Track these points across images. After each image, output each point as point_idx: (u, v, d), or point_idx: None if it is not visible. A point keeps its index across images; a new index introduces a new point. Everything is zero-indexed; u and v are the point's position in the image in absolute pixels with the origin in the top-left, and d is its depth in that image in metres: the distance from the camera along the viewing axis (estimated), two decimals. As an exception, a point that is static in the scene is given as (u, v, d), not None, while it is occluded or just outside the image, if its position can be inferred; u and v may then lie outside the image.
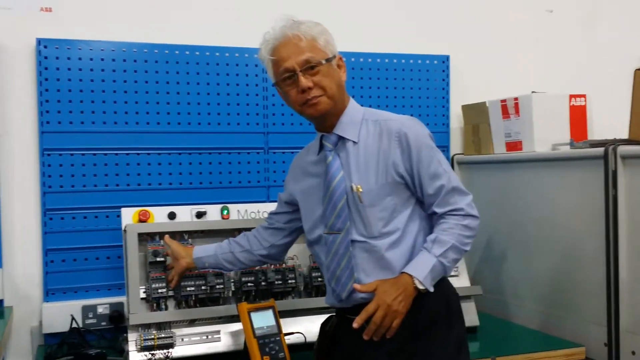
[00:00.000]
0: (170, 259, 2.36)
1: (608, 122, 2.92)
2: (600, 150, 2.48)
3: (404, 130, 1.89)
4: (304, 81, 1.87)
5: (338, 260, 1.93)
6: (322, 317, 2.11)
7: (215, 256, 2.24)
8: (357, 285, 1.86)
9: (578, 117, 2.93)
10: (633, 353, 2.39)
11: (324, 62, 1.88)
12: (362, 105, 2.02)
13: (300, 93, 1.89)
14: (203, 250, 2.27)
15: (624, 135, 2.58)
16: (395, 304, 1.77)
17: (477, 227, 1.93)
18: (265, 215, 2.64)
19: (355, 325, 1.79)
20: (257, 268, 2.48)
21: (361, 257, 1.91)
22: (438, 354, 1.87)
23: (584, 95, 2.95)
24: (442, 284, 1.93)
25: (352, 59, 3.17)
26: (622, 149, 2.43)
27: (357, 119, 1.95)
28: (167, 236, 2.38)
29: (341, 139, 1.94)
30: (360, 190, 1.89)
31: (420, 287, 1.81)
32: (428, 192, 1.89)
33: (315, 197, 1.99)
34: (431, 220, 1.95)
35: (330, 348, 2.02)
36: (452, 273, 2.76)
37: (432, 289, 1.82)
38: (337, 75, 1.94)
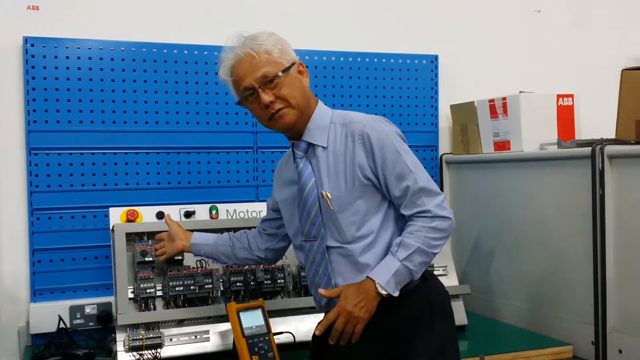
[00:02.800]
0: (166, 239, 2.35)
1: (595, 122, 2.93)
2: (588, 150, 2.50)
3: (366, 131, 1.85)
4: (265, 97, 1.87)
5: (316, 267, 1.95)
6: (311, 317, 2.12)
7: (214, 246, 2.25)
8: (321, 291, 1.88)
9: (566, 117, 2.95)
10: (620, 351, 2.41)
11: (280, 74, 1.87)
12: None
13: (264, 109, 1.89)
14: (202, 238, 2.28)
15: (611, 135, 2.60)
16: (356, 311, 1.78)
17: (450, 227, 1.87)
18: (254, 215, 2.66)
19: (317, 332, 1.83)
20: (245, 267, 2.48)
21: (337, 262, 1.92)
22: (419, 354, 1.86)
23: (571, 95, 2.96)
24: (426, 284, 1.92)
25: (342, 59, 3.17)
26: (609, 149, 2.45)
27: (325, 124, 1.93)
28: (168, 215, 2.42)
29: (311, 145, 1.93)
30: (329, 196, 1.88)
31: (382, 292, 1.79)
32: (395, 194, 1.86)
33: (292, 206, 2.00)
34: None
35: (323, 351, 2.01)
36: (441, 272, 2.77)
37: (396, 293, 1.80)
38: (299, 82, 1.92)
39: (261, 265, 2.52)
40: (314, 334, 2.06)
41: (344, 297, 1.81)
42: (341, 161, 1.88)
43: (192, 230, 2.35)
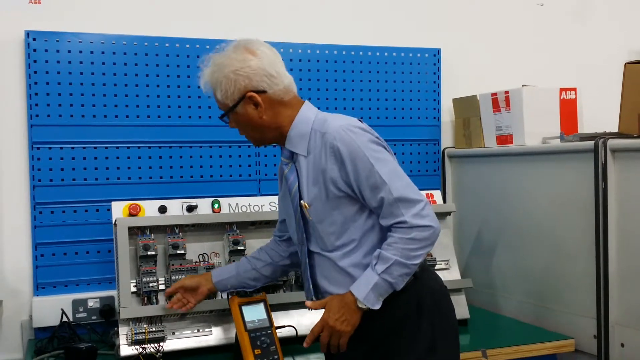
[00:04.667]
0: (183, 293, 2.27)
1: (598, 116, 2.93)
2: (590, 143, 2.49)
3: (336, 144, 1.81)
4: (230, 124, 1.97)
5: (303, 268, 1.99)
6: (313, 311, 2.10)
7: (237, 276, 2.21)
8: (308, 303, 1.92)
9: (568, 110, 2.94)
10: (622, 345, 2.41)
11: (226, 113, 1.92)
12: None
13: None
14: (222, 273, 2.24)
15: (614, 128, 2.59)
16: (338, 325, 1.82)
17: (432, 235, 1.81)
18: (256, 208, 2.66)
19: (305, 345, 1.89)
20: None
21: (321, 265, 1.94)
22: (407, 353, 1.86)
23: (574, 89, 2.96)
24: (416, 283, 1.89)
25: (344, 52, 3.16)
26: (612, 143, 2.44)
27: (305, 131, 1.89)
28: (168, 289, 2.30)
29: (294, 152, 1.93)
30: (307, 207, 1.88)
31: (362, 306, 1.81)
32: (372, 204, 1.83)
33: (288, 204, 2.00)
34: None
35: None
36: (443, 266, 2.77)
37: (377, 306, 1.80)
38: (247, 118, 1.90)
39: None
40: None
41: (327, 310, 1.86)
42: (318, 173, 1.86)
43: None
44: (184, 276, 2.39)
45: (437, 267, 2.72)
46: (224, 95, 1.89)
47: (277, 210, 2.22)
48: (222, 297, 2.43)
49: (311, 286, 1.97)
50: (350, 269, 1.88)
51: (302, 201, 1.89)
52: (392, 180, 1.81)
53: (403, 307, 1.87)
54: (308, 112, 1.93)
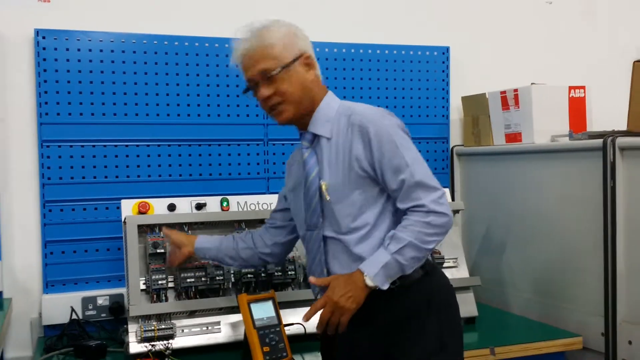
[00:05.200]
0: (169, 250, 2.36)
1: (607, 114, 2.92)
2: (599, 141, 2.49)
3: (365, 123, 1.85)
4: (263, 91, 1.90)
5: (313, 255, 1.96)
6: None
7: (218, 249, 2.24)
8: (312, 279, 1.89)
9: (577, 108, 2.93)
10: (630, 343, 2.41)
11: (279, 70, 1.88)
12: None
13: (263, 101, 1.93)
14: (206, 241, 2.27)
15: (623, 126, 2.59)
16: (342, 301, 1.78)
17: (446, 224, 1.82)
18: (265, 207, 2.66)
19: (303, 320, 1.84)
20: (256, 259, 2.49)
21: (334, 251, 1.92)
22: (414, 349, 1.85)
23: (583, 87, 2.95)
24: (427, 279, 1.90)
25: (352, 50, 3.16)
26: (621, 141, 2.44)
27: (330, 115, 1.93)
28: (164, 227, 2.39)
29: (316, 136, 1.94)
30: (327, 187, 1.88)
31: (370, 283, 1.78)
32: (391, 187, 1.85)
33: (299, 196, 2.00)
34: None
35: (332, 342, 2.01)
36: (451, 264, 2.77)
37: (385, 287, 1.79)
38: (300, 77, 1.91)
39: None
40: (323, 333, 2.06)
41: (332, 287, 1.81)
42: (341, 152, 1.88)
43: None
44: (192, 274, 2.41)
45: (445, 265, 2.72)
46: (283, 50, 1.89)
47: (277, 198, 2.23)
48: (230, 293, 2.44)
49: (325, 271, 1.93)
50: (364, 254, 1.86)
51: (321, 182, 1.89)
52: (414, 164, 1.83)
53: (414, 301, 1.87)
54: (333, 97, 1.99)
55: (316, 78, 1.96)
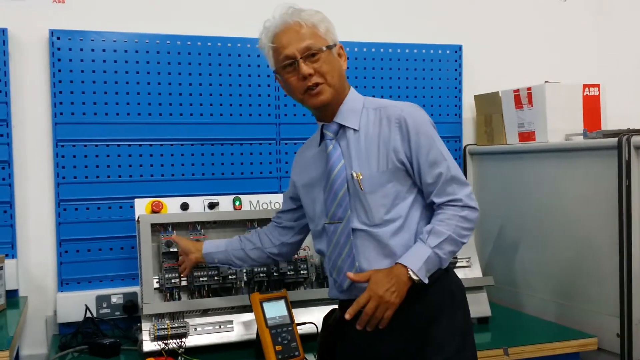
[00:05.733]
0: (179, 258, 2.37)
1: (622, 112, 2.90)
2: (614, 140, 2.47)
3: (403, 115, 1.86)
4: (305, 68, 1.86)
5: (339, 250, 1.92)
6: (334, 308, 2.11)
7: (225, 252, 2.23)
8: (350, 274, 1.84)
9: (591, 107, 2.91)
10: (646, 344, 2.39)
11: (324, 48, 1.88)
12: (364, 95, 2.01)
13: (302, 80, 1.88)
14: (213, 246, 2.26)
15: (638, 125, 2.57)
16: (388, 295, 1.76)
17: (477, 219, 1.88)
18: (277, 205, 2.66)
19: (347, 316, 1.80)
20: (269, 258, 2.50)
21: (363, 245, 1.89)
22: (442, 345, 1.85)
23: (597, 85, 2.93)
24: (446, 275, 1.91)
25: (364, 49, 3.16)
26: (636, 139, 2.41)
27: (357, 107, 1.94)
28: (173, 235, 2.42)
29: (342, 127, 1.93)
30: (361, 177, 1.87)
31: (415, 277, 1.77)
32: (427, 181, 1.86)
33: (316, 189, 1.98)
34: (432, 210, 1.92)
35: (333, 342, 2.00)
36: (464, 264, 2.76)
37: (426, 280, 1.79)
38: (338, 63, 1.93)
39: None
40: (324, 322, 2.06)
41: (375, 281, 1.78)
42: (373, 144, 1.88)
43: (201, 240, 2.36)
44: (205, 272, 2.42)
45: (458, 264, 2.71)
46: (326, 31, 1.91)
47: (283, 201, 2.22)
48: (243, 292, 2.45)
49: (357, 264, 1.89)
50: (397, 248, 1.85)
51: (353, 172, 1.88)
52: (449, 158, 1.88)
53: (438, 295, 1.87)
54: (356, 93, 1.99)
55: (345, 70, 1.98)
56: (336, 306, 2.06)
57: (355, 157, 1.90)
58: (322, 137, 1.98)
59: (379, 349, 1.87)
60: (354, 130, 1.91)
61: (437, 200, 1.86)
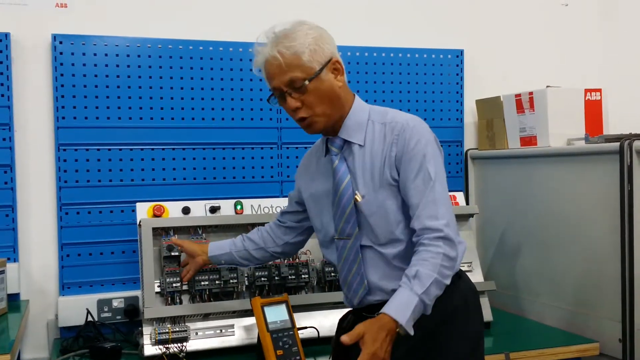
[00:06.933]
0: (183, 255, 2.36)
1: (624, 117, 2.90)
2: (616, 145, 2.47)
3: (404, 130, 1.80)
4: (291, 102, 1.81)
5: (349, 265, 1.89)
6: (335, 312, 2.12)
7: (230, 254, 2.22)
8: (344, 338, 1.71)
9: (593, 111, 2.91)
10: (648, 349, 2.38)
11: (307, 82, 1.78)
12: (367, 102, 1.95)
13: (292, 112, 1.85)
14: (218, 248, 2.24)
15: (640, 130, 2.57)
16: (382, 353, 1.68)
17: (461, 255, 1.79)
18: (279, 209, 2.65)
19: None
20: (270, 263, 2.49)
21: (372, 260, 1.87)
22: (454, 350, 1.84)
23: (599, 90, 2.93)
24: (460, 281, 1.89)
25: (366, 54, 3.16)
26: (638, 144, 2.41)
27: (362, 120, 1.87)
28: (173, 238, 2.41)
29: (347, 142, 1.88)
30: (360, 199, 1.83)
31: (402, 332, 1.68)
32: (410, 201, 1.79)
33: (324, 200, 1.95)
34: None
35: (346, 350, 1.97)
36: (466, 268, 2.76)
37: (412, 333, 1.68)
38: (329, 85, 1.83)
39: (285, 261, 2.54)
40: (339, 324, 2.04)
41: (372, 340, 1.67)
42: (378, 161, 1.83)
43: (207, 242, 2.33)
44: (207, 277, 2.42)
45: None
46: (310, 58, 1.78)
47: (288, 201, 2.19)
48: (244, 297, 2.45)
49: (366, 282, 1.87)
50: (404, 266, 1.78)
51: (356, 193, 1.83)
52: (439, 180, 1.78)
53: (453, 300, 1.84)
54: (361, 104, 1.91)
55: (344, 83, 1.88)
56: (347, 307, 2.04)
57: (360, 175, 1.85)
58: (327, 149, 1.93)
59: (392, 352, 1.77)
60: (360, 145, 1.86)
61: (417, 226, 1.77)
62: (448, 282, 1.74)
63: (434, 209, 1.76)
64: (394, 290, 1.75)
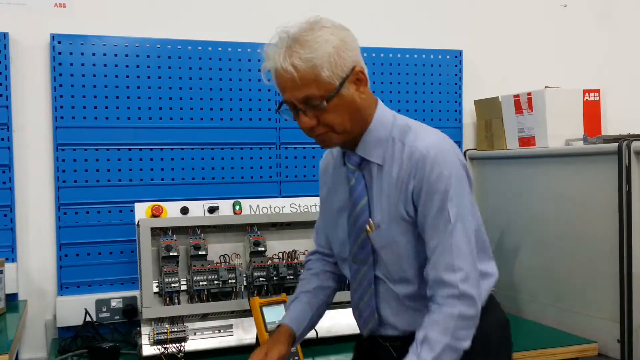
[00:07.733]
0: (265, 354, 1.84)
1: (622, 118, 2.90)
2: (614, 145, 2.47)
3: (423, 163, 1.57)
4: (306, 120, 1.58)
5: (361, 293, 1.73)
6: (334, 313, 2.11)
7: (309, 320, 1.88)
8: None
9: (592, 112, 2.91)
10: (646, 349, 2.39)
11: (325, 103, 1.54)
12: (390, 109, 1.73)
13: (305, 129, 1.62)
14: (294, 322, 1.85)
15: (638, 130, 2.57)
16: None
17: (477, 314, 1.56)
18: (277, 210, 2.67)
19: None
20: (268, 263, 2.50)
21: (385, 293, 1.70)
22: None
23: (598, 91, 2.93)
24: (496, 310, 1.77)
25: (364, 54, 3.11)
26: (636, 145, 2.41)
27: (383, 137, 1.64)
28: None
29: (365, 159, 1.67)
30: (371, 231, 1.64)
31: None
32: (428, 244, 1.59)
33: (340, 215, 1.76)
34: None
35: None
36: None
37: None
38: (350, 100, 1.58)
39: (284, 261, 2.54)
40: (355, 349, 1.94)
41: None
42: (393, 190, 1.61)
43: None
44: (205, 277, 2.41)
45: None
46: (331, 72, 1.53)
47: (316, 233, 1.95)
48: (242, 297, 2.45)
49: (376, 315, 1.72)
50: (416, 307, 1.66)
51: (369, 221, 1.63)
52: (461, 223, 1.57)
53: (488, 330, 1.67)
54: (385, 112, 1.68)
55: (368, 94, 1.65)
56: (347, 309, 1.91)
57: (376, 199, 1.64)
58: (347, 167, 1.71)
59: None
60: (378, 165, 1.64)
61: (431, 276, 1.57)
62: (466, 344, 1.54)
63: (451, 257, 1.56)
64: (405, 330, 1.66)
